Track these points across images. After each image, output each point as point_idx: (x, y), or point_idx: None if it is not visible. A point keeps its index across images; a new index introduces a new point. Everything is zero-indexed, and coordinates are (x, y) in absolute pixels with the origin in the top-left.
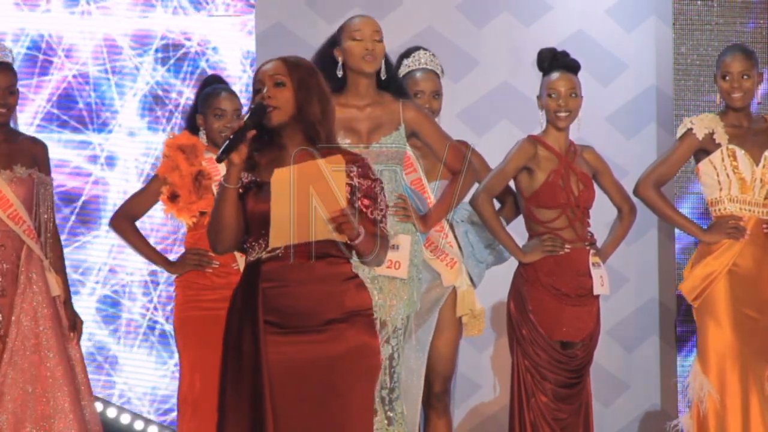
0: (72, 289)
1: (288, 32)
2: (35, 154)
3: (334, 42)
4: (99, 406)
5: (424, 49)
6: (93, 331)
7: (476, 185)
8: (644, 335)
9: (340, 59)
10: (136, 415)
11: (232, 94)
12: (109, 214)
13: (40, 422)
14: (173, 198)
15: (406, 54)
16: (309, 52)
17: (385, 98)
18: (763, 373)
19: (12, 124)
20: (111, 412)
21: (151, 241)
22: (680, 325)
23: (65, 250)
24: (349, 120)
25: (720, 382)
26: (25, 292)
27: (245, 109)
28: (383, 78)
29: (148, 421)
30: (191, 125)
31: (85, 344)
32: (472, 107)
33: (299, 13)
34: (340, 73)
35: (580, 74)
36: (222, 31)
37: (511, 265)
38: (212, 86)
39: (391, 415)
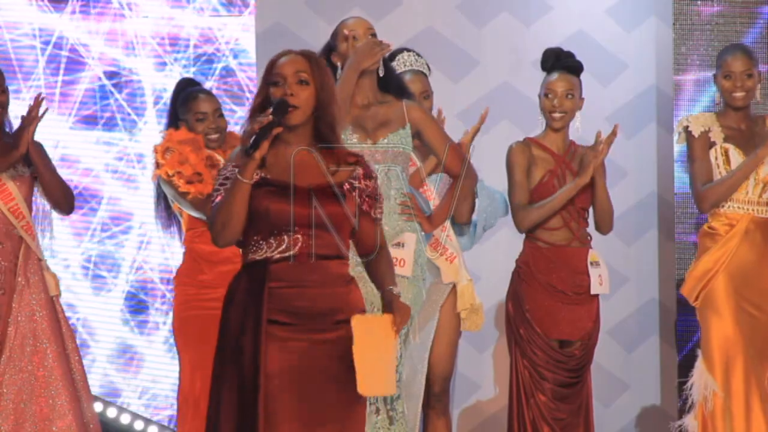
0: (97, 284)
1: (288, 32)
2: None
3: (330, 48)
4: (99, 406)
5: (408, 50)
6: (118, 329)
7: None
8: (644, 335)
9: (339, 64)
10: (136, 415)
11: (209, 94)
12: (137, 212)
13: (40, 422)
14: (192, 182)
15: (391, 57)
16: None
17: (388, 98)
18: (764, 372)
19: (8, 125)
20: (111, 412)
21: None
22: (680, 325)
23: (91, 246)
24: (355, 118)
25: (725, 379)
26: (23, 292)
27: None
28: (381, 75)
29: (147, 421)
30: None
31: (107, 342)
32: (472, 107)
33: (299, 13)
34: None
35: (581, 74)
36: (249, 32)
37: (513, 264)
38: (188, 90)
39: (393, 414)
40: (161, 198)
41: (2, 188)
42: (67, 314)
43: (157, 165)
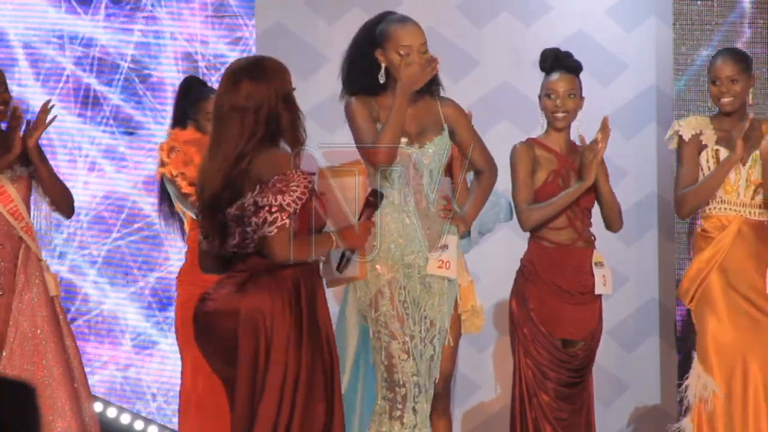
0: (120, 281)
1: (288, 32)
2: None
3: (372, 41)
4: (99, 406)
5: None
6: (140, 326)
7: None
8: (644, 335)
9: (383, 64)
10: (136, 415)
11: None
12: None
13: None
14: (194, 183)
15: None
16: (309, 52)
17: (422, 97)
18: (762, 370)
19: (4, 126)
20: (111, 412)
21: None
22: (680, 325)
23: (115, 243)
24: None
25: (723, 379)
26: (23, 293)
27: None
28: None
29: (148, 421)
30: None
31: (130, 338)
32: (472, 107)
33: (299, 13)
34: (382, 80)
35: (581, 74)
36: None
37: (514, 263)
38: (199, 90)
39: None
40: (164, 195)
41: (1, 190)
42: (87, 309)
43: (162, 163)
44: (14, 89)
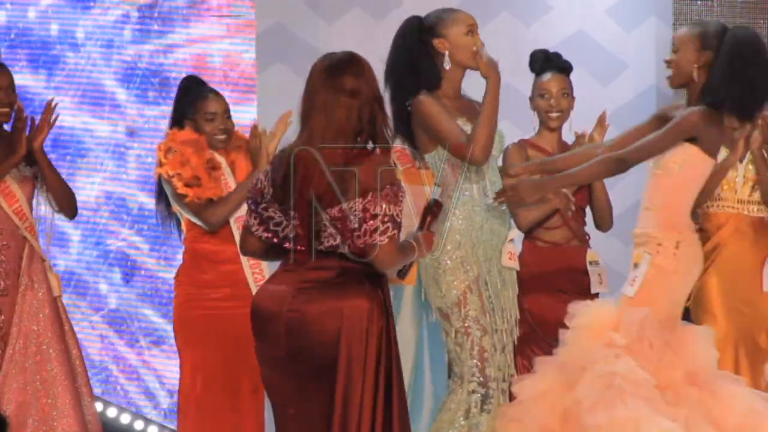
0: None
1: (288, 32)
2: (38, 155)
3: (423, 36)
4: (99, 406)
5: None
6: (152, 325)
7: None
8: None
9: (446, 51)
10: (136, 415)
11: (218, 94)
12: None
13: (41, 422)
14: (190, 185)
15: None
16: (309, 52)
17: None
18: (757, 371)
19: (8, 126)
20: (111, 412)
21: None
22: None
23: (137, 239)
24: (466, 109)
25: None
26: (26, 292)
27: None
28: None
29: (148, 421)
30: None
31: (138, 334)
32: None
33: (299, 13)
34: (448, 66)
35: (581, 74)
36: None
37: None
38: (198, 90)
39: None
40: (162, 195)
41: (7, 190)
42: (97, 306)
43: (160, 163)
44: (31, 90)
